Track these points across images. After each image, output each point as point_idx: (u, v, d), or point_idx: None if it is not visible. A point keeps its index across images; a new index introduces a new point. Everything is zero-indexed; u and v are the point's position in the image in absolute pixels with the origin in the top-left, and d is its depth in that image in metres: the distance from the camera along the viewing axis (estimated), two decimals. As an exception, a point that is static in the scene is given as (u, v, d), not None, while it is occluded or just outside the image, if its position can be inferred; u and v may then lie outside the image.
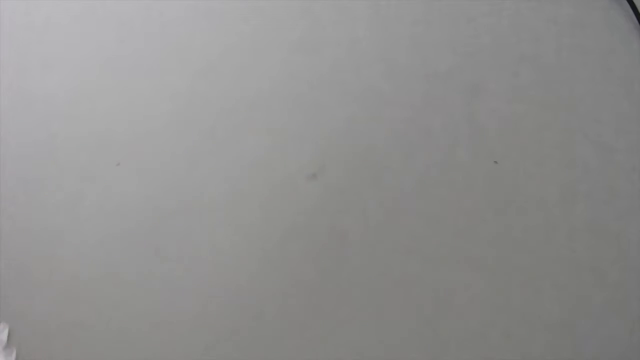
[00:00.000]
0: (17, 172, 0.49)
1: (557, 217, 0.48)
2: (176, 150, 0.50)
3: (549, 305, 0.46)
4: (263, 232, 0.48)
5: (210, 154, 0.50)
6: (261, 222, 0.48)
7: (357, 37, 0.53)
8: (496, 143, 0.50)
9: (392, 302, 0.46)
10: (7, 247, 0.47)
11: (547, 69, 0.52)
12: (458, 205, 0.48)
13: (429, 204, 0.48)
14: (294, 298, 0.46)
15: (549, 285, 0.47)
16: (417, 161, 0.49)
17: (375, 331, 0.45)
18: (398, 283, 0.46)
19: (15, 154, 0.49)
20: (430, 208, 0.48)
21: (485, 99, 0.51)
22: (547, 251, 0.47)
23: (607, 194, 0.49)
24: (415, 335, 0.45)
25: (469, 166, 0.49)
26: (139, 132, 0.50)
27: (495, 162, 0.50)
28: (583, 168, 0.50)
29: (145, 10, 0.53)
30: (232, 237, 0.47)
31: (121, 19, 0.53)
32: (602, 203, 0.49)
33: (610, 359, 0.45)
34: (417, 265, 0.47)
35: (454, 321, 0.46)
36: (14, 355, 0.43)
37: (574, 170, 0.50)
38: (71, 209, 0.48)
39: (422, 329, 0.45)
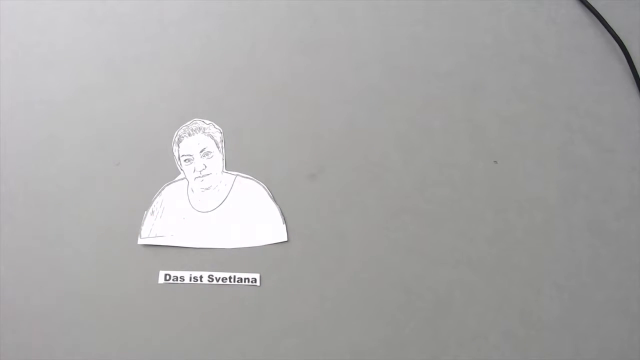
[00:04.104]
0: (17, 172, 0.49)
1: (557, 217, 0.48)
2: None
3: (549, 305, 0.46)
4: (263, 232, 0.48)
5: (210, 154, 0.50)
6: (261, 222, 0.48)
7: (357, 37, 0.53)
8: (496, 143, 0.50)
9: (392, 302, 0.46)
10: (7, 247, 0.47)
11: (547, 69, 0.52)
12: (458, 205, 0.48)
13: (429, 204, 0.48)
14: (293, 298, 0.46)
15: (549, 285, 0.47)
16: (417, 161, 0.50)
17: (376, 331, 0.45)
18: (398, 283, 0.46)
19: (15, 154, 0.49)
20: (430, 208, 0.48)
21: (485, 99, 0.51)
22: (547, 251, 0.47)
23: (607, 194, 0.49)
24: (415, 335, 0.45)
25: (469, 166, 0.49)
26: (139, 132, 0.50)
27: (495, 162, 0.50)
28: (583, 168, 0.50)
29: (145, 10, 0.53)
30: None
31: (121, 19, 0.53)
32: (602, 203, 0.49)
33: (610, 359, 0.45)
34: (417, 265, 0.47)
35: (454, 321, 0.46)
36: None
37: (574, 170, 0.50)
38: (71, 209, 0.48)
39: (422, 329, 0.45)
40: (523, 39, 0.53)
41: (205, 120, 0.50)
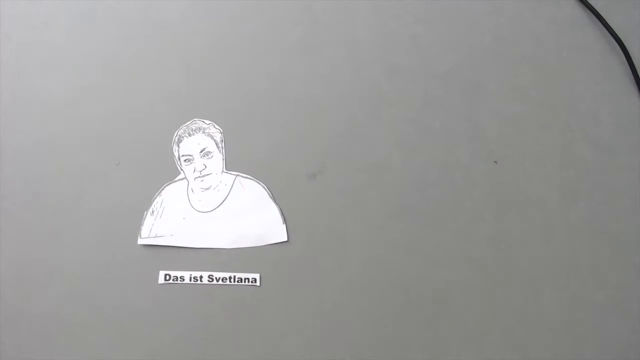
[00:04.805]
0: (17, 172, 0.49)
1: (557, 217, 0.48)
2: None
3: (549, 305, 0.46)
4: (263, 232, 0.48)
5: (210, 154, 0.50)
6: (261, 222, 0.48)
7: (357, 37, 0.53)
8: (496, 143, 0.50)
9: (392, 302, 0.46)
10: (7, 247, 0.47)
11: (547, 69, 0.52)
12: (458, 205, 0.48)
13: (429, 204, 0.48)
14: (293, 298, 0.46)
15: (549, 285, 0.47)
16: (417, 161, 0.50)
17: (376, 331, 0.45)
18: (398, 283, 0.46)
19: (15, 154, 0.49)
20: (430, 208, 0.48)
21: (485, 99, 0.51)
22: (547, 251, 0.47)
23: (607, 194, 0.49)
24: (415, 335, 0.45)
25: (469, 166, 0.49)
26: (139, 132, 0.50)
27: (495, 162, 0.50)
28: (583, 168, 0.50)
29: (145, 10, 0.53)
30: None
31: (121, 19, 0.53)
32: (602, 203, 0.49)
33: (610, 359, 0.45)
34: (417, 265, 0.47)
35: (454, 321, 0.46)
36: None
37: (574, 170, 0.50)
38: (71, 209, 0.48)
39: (422, 329, 0.45)
40: (523, 39, 0.53)
41: (205, 120, 0.50)
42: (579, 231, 0.48)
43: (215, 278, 0.46)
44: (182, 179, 0.48)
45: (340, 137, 0.50)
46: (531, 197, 0.49)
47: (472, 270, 0.47)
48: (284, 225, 0.47)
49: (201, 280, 0.46)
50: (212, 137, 0.49)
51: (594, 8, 0.53)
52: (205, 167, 0.48)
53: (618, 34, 0.52)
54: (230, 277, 0.46)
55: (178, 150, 0.49)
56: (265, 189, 0.48)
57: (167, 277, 0.46)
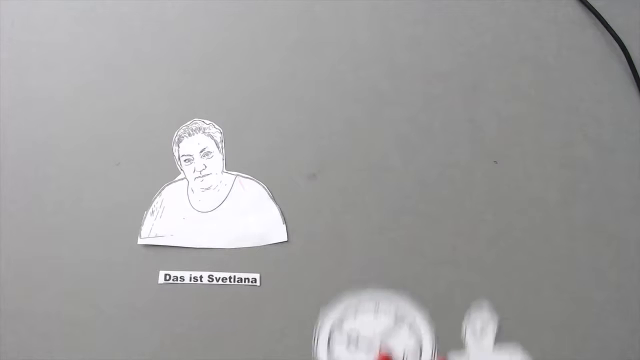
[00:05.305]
0: (17, 172, 0.49)
1: (557, 217, 0.48)
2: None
3: (549, 305, 0.46)
4: (263, 232, 0.48)
5: (210, 154, 0.50)
6: (261, 222, 0.48)
7: (357, 37, 0.53)
8: (496, 143, 0.50)
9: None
10: (7, 247, 0.47)
11: (547, 69, 0.52)
12: (458, 205, 0.48)
13: (429, 204, 0.48)
14: (293, 298, 0.46)
15: (549, 285, 0.47)
16: (417, 161, 0.50)
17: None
18: (398, 283, 0.46)
19: (15, 154, 0.49)
20: (430, 208, 0.48)
21: (485, 99, 0.51)
22: (547, 251, 0.47)
23: (607, 194, 0.49)
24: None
25: (469, 166, 0.49)
26: (139, 132, 0.50)
27: (495, 162, 0.50)
28: (583, 168, 0.50)
29: (145, 10, 0.53)
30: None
31: (121, 19, 0.53)
32: (602, 203, 0.49)
33: (610, 359, 0.45)
34: (417, 265, 0.47)
35: (454, 321, 0.46)
36: None
37: (574, 170, 0.50)
38: (71, 209, 0.48)
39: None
40: (523, 39, 0.53)
41: (205, 120, 0.50)
42: (579, 231, 0.48)
43: (215, 278, 0.46)
44: (182, 179, 0.48)
45: (340, 137, 0.50)
46: (531, 197, 0.49)
47: (472, 270, 0.47)
48: (284, 225, 0.47)
49: (201, 280, 0.46)
50: (212, 137, 0.49)
51: (594, 8, 0.53)
52: (205, 167, 0.48)
53: (618, 34, 0.52)
54: (230, 277, 0.46)
55: (178, 150, 0.49)
56: (265, 189, 0.48)
57: (167, 277, 0.46)
